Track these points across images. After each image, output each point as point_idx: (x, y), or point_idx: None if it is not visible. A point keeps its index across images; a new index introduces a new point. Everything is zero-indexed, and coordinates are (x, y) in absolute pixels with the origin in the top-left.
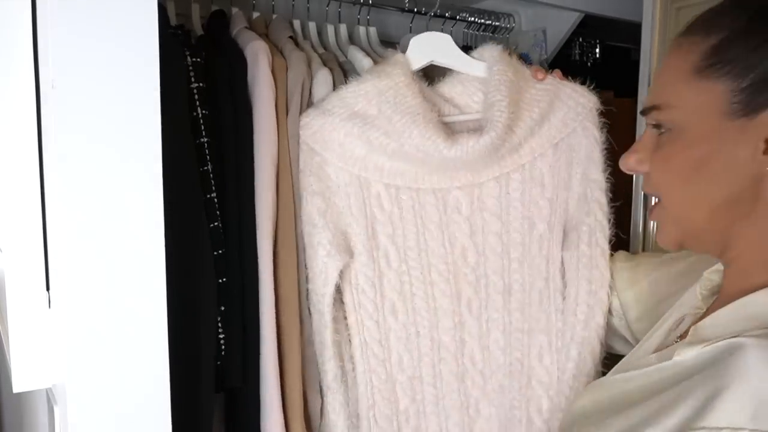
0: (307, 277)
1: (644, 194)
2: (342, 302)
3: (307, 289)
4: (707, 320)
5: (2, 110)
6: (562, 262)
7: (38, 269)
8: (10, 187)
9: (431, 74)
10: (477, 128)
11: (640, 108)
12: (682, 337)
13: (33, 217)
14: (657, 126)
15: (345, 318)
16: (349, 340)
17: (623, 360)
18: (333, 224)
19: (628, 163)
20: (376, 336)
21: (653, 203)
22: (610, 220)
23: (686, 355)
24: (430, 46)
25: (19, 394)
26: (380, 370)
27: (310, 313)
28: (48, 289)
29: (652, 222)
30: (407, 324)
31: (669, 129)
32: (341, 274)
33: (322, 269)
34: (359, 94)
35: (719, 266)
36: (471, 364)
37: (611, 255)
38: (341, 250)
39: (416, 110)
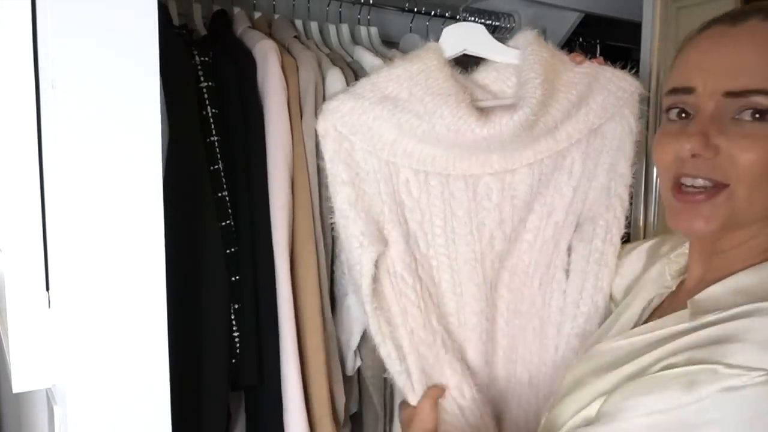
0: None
1: (644, 190)
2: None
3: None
4: (701, 295)
5: (2, 110)
6: (569, 251)
7: (38, 269)
8: (10, 187)
9: (466, 66)
10: (511, 110)
11: (642, 105)
12: (657, 312)
13: (33, 217)
14: (755, 112)
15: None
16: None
17: (597, 338)
18: (365, 213)
19: (689, 146)
20: (421, 322)
21: (700, 185)
22: (627, 217)
23: (703, 320)
24: (463, 35)
25: (19, 394)
26: (429, 354)
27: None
28: (48, 289)
29: (652, 217)
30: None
31: (765, 120)
32: (378, 264)
33: (358, 260)
34: (390, 78)
35: (684, 249)
36: (493, 349)
37: None
38: (374, 240)
39: (448, 91)
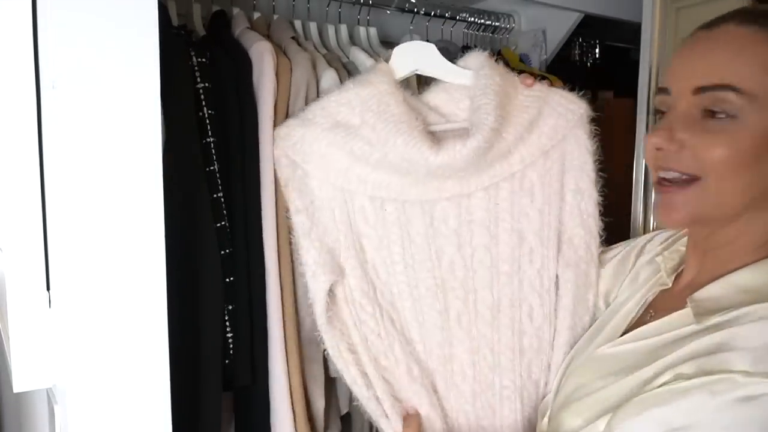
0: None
1: (644, 189)
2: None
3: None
4: (701, 294)
5: (3, 110)
6: (557, 277)
7: (38, 269)
8: (10, 187)
9: (418, 84)
10: (464, 136)
11: (642, 105)
12: (652, 307)
13: (33, 216)
14: (711, 111)
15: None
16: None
17: (588, 338)
18: (318, 242)
19: (655, 140)
20: (383, 349)
21: (671, 177)
22: (600, 234)
23: (708, 322)
24: (414, 55)
25: (19, 393)
26: (394, 382)
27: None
28: (48, 288)
29: (652, 216)
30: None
31: (733, 116)
32: (336, 292)
33: (311, 289)
34: (341, 102)
35: (679, 246)
36: (461, 379)
37: None
38: (327, 270)
39: (400, 118)
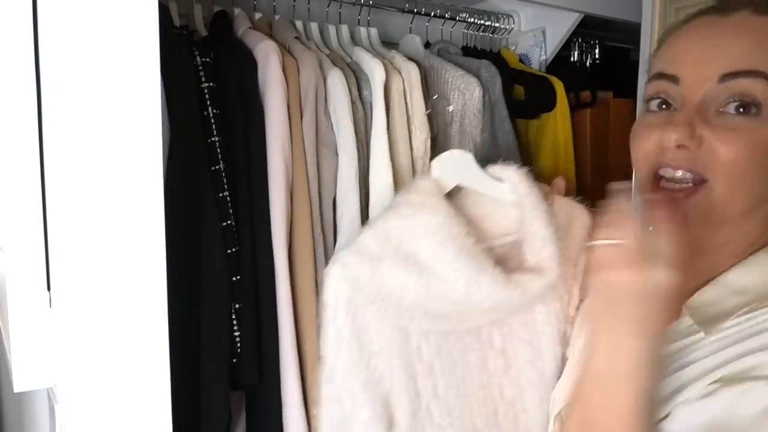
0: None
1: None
2: None
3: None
4: (696, 300)
5: (3, 111)
6: None
7: (39, 269)
8: (10, 187)
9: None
10: (504, 254)
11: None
12: None
13: (34, 216)
14: (732, 105)
15: None
16: None
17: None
18: (374, 394)
19: (674, 136)
20: None
21: (679, 180)
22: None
23: (718, 334)
24: (455, 166)
25: (19, 393)
26: None
27: None
28: (49, 288)
29: None
30: None
31: (756, 112)
32: None
33: None
34: (406, 233)
35: None
36: None
37: None
38: (380, 425)
39: (478, 254)
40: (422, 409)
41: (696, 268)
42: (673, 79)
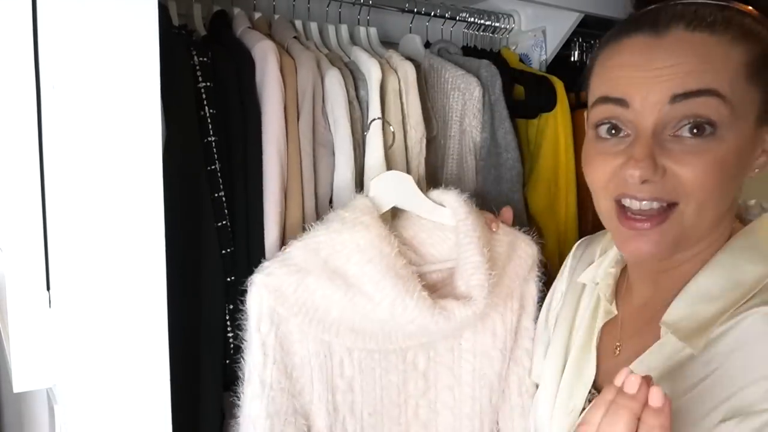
0: None
1: None
2: None
3: None
4: (670, 316)
5: (3, 111)
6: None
7: (39, 269)
8: (10, 187)
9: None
10: (443, 280)
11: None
12: (606, 341)
13: (33, 216)
14: (687, 127)
15: None
16: None
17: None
18: (296, 407)
19: (640, 174)
20: None
21: (647, 208)
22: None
23: (707, 351)
24: (395, 187)
25: (19, 393)
26: None
27: None
28: (48, 288)
29: None
30: None
31: (712, 132)
32: None
33: None
34: (335, 248)
35: (608, 268)
36: None
37: None
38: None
39: (405, 276)
40: (338, 424)
41: (663, 284)
42: (621, 102)
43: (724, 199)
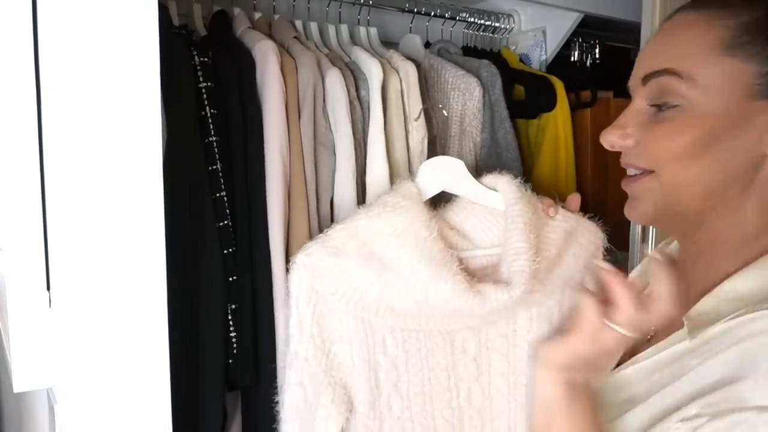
0: None
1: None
2: None
3: None
4: (696, 309)
5: (3, 111)
6: None
7: (39, 269)
8: (11, 187)
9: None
10: (492, 265)
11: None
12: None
13: (33, 216)
14: (659, 104)
15: None
16: None
17: None
18: (334, 379)
19: (609, 138)
20: None
21: (632, 174)
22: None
23: (707, 342)
24: (443, 172)
25: (19, 393)
26: None
27: None
28: (49, 288)
29: (650, 234)
30: None
31: (677, 106)
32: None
33: (320, 428)
34: (373, 231)
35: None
36: None
37: None
38: (343, 409)
39: (442, 260)
40: (381, 400)
41: (694, 276)
42: (628, 88)
43: (704, 173)
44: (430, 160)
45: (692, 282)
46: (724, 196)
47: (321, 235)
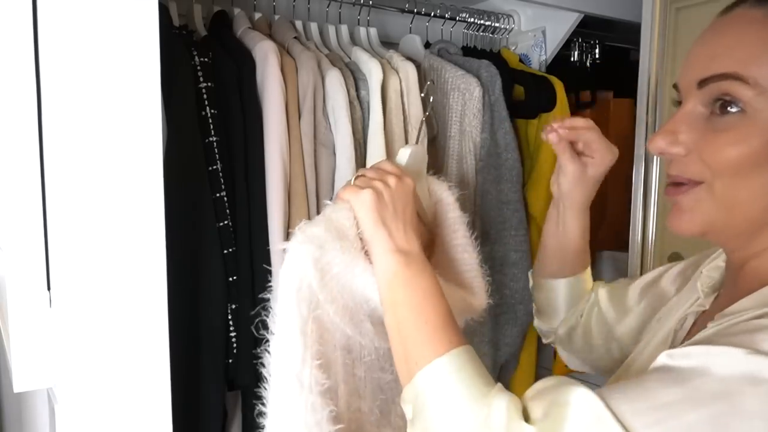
0: None
1: (644, 190)
2: None
3: None
4: (731, 309)
5: (2, 110)
6: None
7: (39, 269)
8: (10, 187)
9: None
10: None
11: (642, 105)
12: (692, 333)
13: (34, 216)
14: (720, 109)
15: None
16: None
17: (620, 374)
18: (332, 417)
19: (658, 144)
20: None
21: (672, 183)
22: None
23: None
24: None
25: (19, 393)
26: None
27: None
28: (49, 288)
29: (650, 235)
30: None
31: (740, 111)
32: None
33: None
34: (346, 216)
35: (719, 262)
36: None
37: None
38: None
39: None
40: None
41: (740, 284)
42: (676, 87)
43: (765, 184)
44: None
45: (738, 288)
46: None
47: (320, 216)
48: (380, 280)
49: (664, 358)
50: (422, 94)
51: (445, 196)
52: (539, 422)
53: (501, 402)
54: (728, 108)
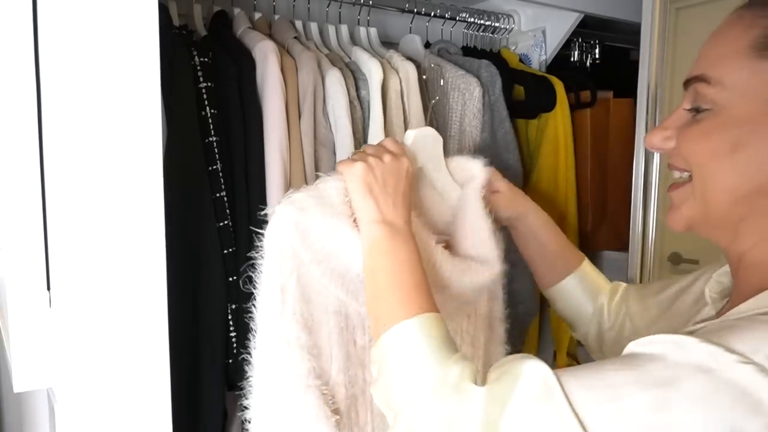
0: None
1: (643, 189)
2: None
3: None
4: (729, 313)
5: (2, 110)
6: None
7: (38, 269)
8: (10, 187)
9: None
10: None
11: (642, 105)
12: None
13: (34, 216)
14: (694, 108)
15: None
16: None
17: None
18: (314, 371)
19: (652, 140)
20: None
21: (673, 182)
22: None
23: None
24: (430, 146)
25: (19, 394)
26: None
27: None
28: (49, 288)
29: (651, 235)
30: None
31: (709, 110)
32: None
33: (299, 402)
34: (340, 192)
35: (727, 268)
36: None
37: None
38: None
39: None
40: (352, 405)
41: (740, 288)
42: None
43: (732, 177)
44: (421, 128)
45: (739, 293)
46: (754, 204)
47: (309, 186)
48: (364, 247)
49: (632, 346)
50: (429, 107)
51: (473, 167)
52: (489, 385)
53: (458, 365)
54: (700, 107)
